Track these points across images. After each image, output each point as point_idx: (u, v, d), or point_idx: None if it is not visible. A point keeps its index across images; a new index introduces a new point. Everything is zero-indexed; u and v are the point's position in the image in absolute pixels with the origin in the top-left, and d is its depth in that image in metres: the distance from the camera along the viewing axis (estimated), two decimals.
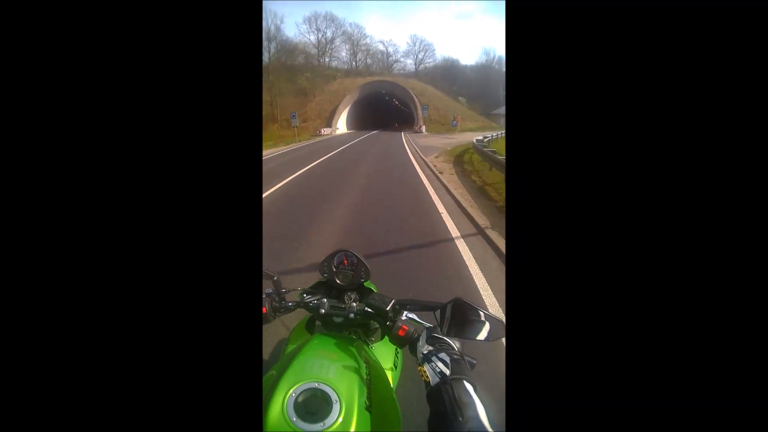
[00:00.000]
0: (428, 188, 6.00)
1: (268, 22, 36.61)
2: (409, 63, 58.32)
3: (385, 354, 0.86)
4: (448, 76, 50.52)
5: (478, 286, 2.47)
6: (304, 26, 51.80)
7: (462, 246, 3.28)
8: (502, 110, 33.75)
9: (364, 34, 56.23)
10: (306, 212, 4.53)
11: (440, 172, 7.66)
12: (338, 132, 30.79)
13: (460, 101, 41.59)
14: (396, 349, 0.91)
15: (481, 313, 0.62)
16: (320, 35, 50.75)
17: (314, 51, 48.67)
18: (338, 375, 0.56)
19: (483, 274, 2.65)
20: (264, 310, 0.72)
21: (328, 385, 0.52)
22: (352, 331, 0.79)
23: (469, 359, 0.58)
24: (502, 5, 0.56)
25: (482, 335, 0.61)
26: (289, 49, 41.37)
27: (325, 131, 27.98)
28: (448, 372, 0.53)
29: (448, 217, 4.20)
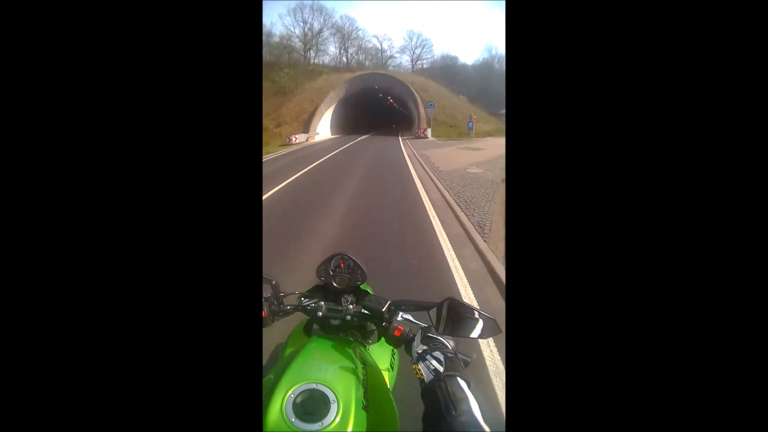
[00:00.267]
0: None
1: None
2: (405, 60, 52.02)
3: (381, 355, 0.89)
4: (447, 74, 45.09)
5: None
6: (288, 18, 45.40)
7: None
8: None
9: (356, 27, 49.66)
10: None
11: None
12: (318, 138, 22.58)
13: (461, 99, 35.06)
14: (392, 350, 0.94)
15: (475, 311, 0.64)
16: (306, 27, 44.34)
17: (299, 45, 42.22)
18: (336, 376, 0.58)
19: None
20: (263, 313, 0.74)
21: (325, 386, 0.54)
22: (350, 333, 0.80)
23: (464, 357, 0.61)
24: (502, 5, 0.48)
25: (476, 333, 0.63)
26: (269, 43, 34.94)
27: (298, 138, 19.40)
28: (442, 369, 0.55)
29: None
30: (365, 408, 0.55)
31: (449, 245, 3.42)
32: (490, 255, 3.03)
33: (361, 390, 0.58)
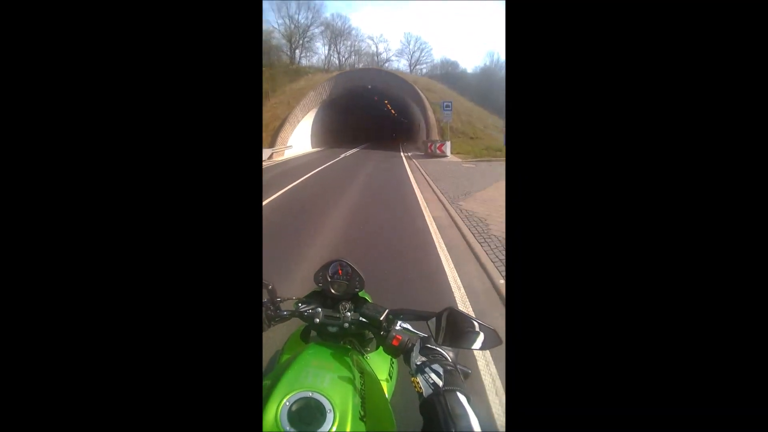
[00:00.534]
0: None
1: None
2: (403, 64, 47.50)
3: (379, 364, 0.88)
4: (447, 80, 39.80)
5: None
6: (271, 12, 39.55)
7: None
8: None
9: (349, 26, 44.17)
10: None
11: None
12: (288, 155, 16.65)
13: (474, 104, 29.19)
14: (391, 359, 0.93)
15: (475, 322, 0.62)
16: (291, 23, 38.41)
17: (283, 43, 36.28)
18: (332, 384, 0.57)
19: None
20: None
21: (322, 395, 0.53)
22: (347, 340, 0.79)
23: (463, 369, 0.59)
24: (502, 5, 0.51)
25: (476, 345, 0.62)
26: None
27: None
28: (441, 383, 0.54)
29: None
30: (362, 418, 0.54)
31: None
32: None
33: (358, 399, 0.57)
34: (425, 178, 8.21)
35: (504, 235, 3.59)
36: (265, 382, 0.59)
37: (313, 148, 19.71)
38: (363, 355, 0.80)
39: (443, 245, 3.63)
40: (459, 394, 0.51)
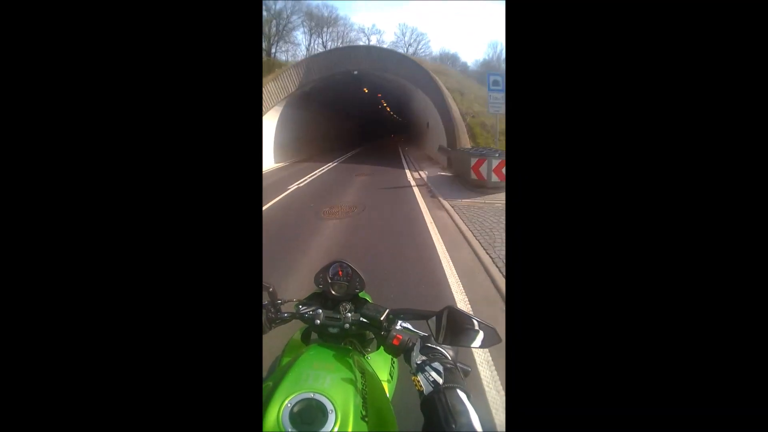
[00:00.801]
0: None
1: None
2: None
3: (381, 364, 0.89)
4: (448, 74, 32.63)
5: None
6: None
7: None
8: None
9: (336, 16, 37.63)
10: None
11: None
12: None
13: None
14: (392, 359, 0.94)
15: (474, 321, 0.63)
16: (266, 12, 31.99)
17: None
18: (334, 385, 0.57)
19: None
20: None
21: (323, 396, 0.53)
22: (348, 341, 0.80)
23: (463, 367, 0.60)
24: (502, 5, 0.51)
25: (476, 343, 0.63)
26: None
27: None
28: (441, 381, 0.55)
29: None
30: (364, 418, 0.54)
31: None
32: None
33: (360, 399, 0.57)
34: None
35: None
36: (267, 384, 0.60)
37: (276, 162, 13.39)
38: (364, 355, 0.81)
39: None
40: (459, 391, 0.52)
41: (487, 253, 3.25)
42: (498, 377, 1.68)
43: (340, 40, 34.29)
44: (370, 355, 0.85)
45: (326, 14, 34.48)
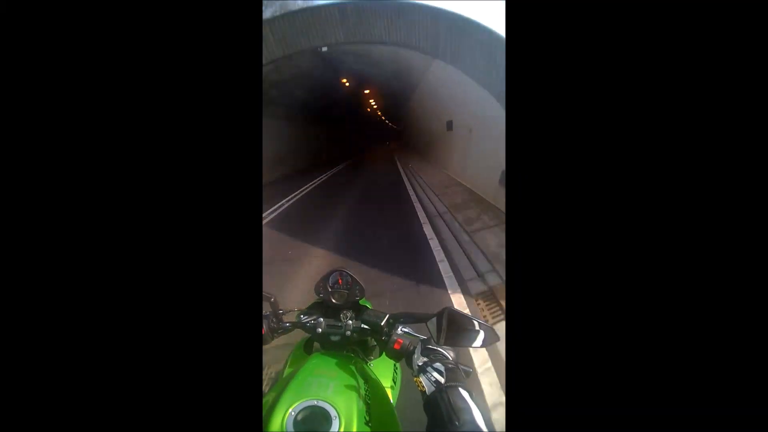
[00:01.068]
0: None
1: None
2: None
3: (383, 370, 0.89)
4: None
5: None
6: None
7: None
8: None
9: None
10: None
11: None
12: None
13: None
14: (395, 365, 0.95)
15: (473, 321, 0.65)
16: None
17: None
18: (337, 392, 0.58)
19: None
20: (262, 331, 0.74)
21: (327, 403, 0.54)
22: (350, 349, 0.81)
23: (464, 367, 0.61)
24: (502, 5, 0.57)
25: (476, 343, 0.64)
26: None
27: None
28: (443, 380, 0.56)
29: None
30: (367, 423, 0.55)
31: None
32: None
33: (363, 406, 0.58)
34: None
35: None
36: (270, 393, 0.61)
37: None
38: (366, 362, 0.82)
39: None
40: (461, 389, 0.53)
41: None
42: (498, 377, 1.70)
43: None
44: (372, 361, 0.85)
45: None
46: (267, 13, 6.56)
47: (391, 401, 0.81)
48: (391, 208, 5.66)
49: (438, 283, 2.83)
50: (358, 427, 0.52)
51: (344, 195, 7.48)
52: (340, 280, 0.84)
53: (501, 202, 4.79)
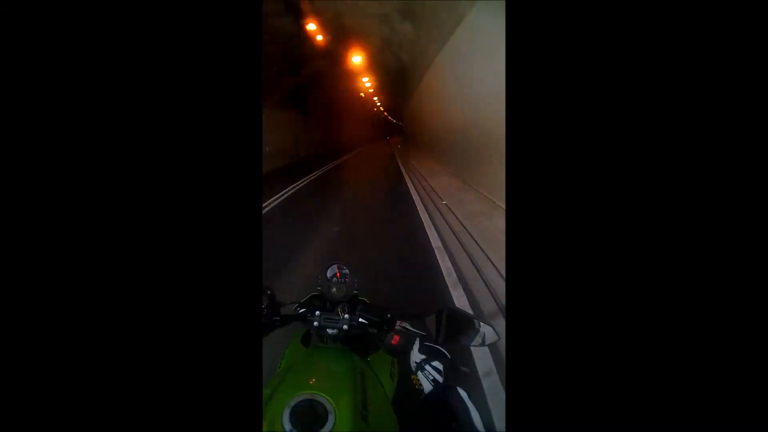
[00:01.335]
0: None
1: None
2: None
3: (381, 364, 0.87)
4: None
5: None
6: None
7: None
8: None
9: None
10: None
11: None
12: None
13: None
14: (391, 359, 0.93)
15: (473, 319, 0.63)
16: None
17: None
18: (334, 386, 0.57)
19: None
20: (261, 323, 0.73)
21: (323, 396, 0.53)
22: (348, 343, 0.80)
23: (463, 368, 0.61)
24: (502, 5, 0.55)
25: (475, 341, 0.63)
26: None
27: None
28: (441, 379, 0.55)
29: None
30: (364, 417, 0.54)
31: None
32: None
33: (360, 399, 0.57)
34: None
35: None
36: (267, 386, 0.59)
37: None
38: (363, 356, 0.80)
39: None
40: (459, 389, 0.52)
41: None
42: (498, 376, 1.62)
43: None
44: (369, 355, 0.85)
45: None
46: None
47: (388, 395, 0.80)
48: None
49: None
50: (354, 421, 0.52)
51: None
52: (338, 273, 0.83)
53: None
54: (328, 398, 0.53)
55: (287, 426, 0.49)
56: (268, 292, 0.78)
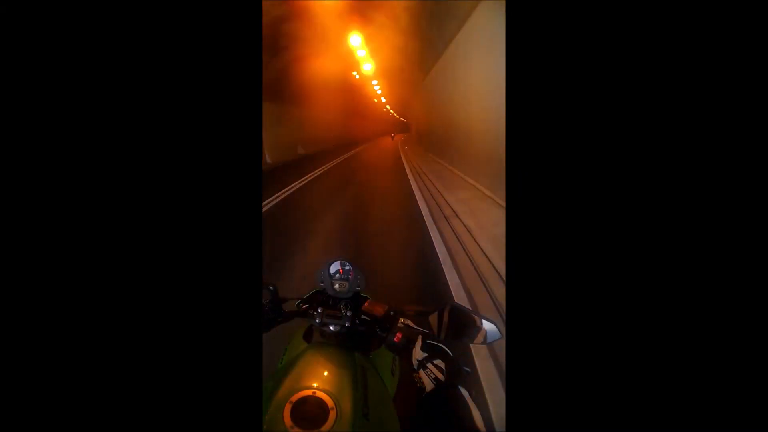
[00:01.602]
0: None
1: None
2: None
3: (382, 362, 0.87)
4: None
5: None
6: None
7: None
8: None
9: None
10: None
11: None
12: None
13: None
14: (393, 357, 0.92)
15: (476, 317, 0.63)
16: None
17: None
18: (335, 383, 0.57)
19: None
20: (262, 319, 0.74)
21: (324, 393, 0.53)
22: (349, 339, 0.79)
23: (464, 368, 0.59)
24: (502, 5, 0.53)
25: (478, 339, 0.62)
26: None
27: None
28: (442, 378, 0.55)
29: None
30: (365, 415, 0.54)
31: None
32: None
33: (361, 397, 0.57)
34: None
35: None
36: (268, 383, 0.59)
37: None
38: (365, 353, 0.80)
39: None
40: (461, 388, 0.52)
41: None
42: (498, 376, 1.63)
43: None
44: (371, 352, 0.84)
45: None
46: None
47: (389, 392, 0.80)
48: None
49: None
50: (355, 417, 0.52)
51: None
52: (341, 270, 0.83)
53: None
54: (330, 395, 0.53)
55: (288, 422, 0.49)
56: (271, 288, 0.78)
